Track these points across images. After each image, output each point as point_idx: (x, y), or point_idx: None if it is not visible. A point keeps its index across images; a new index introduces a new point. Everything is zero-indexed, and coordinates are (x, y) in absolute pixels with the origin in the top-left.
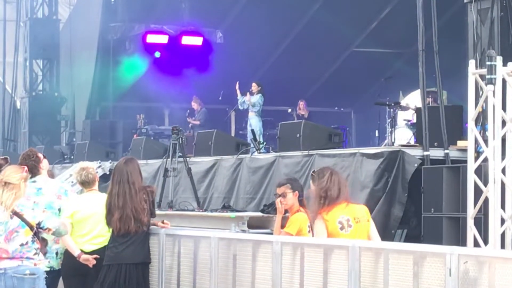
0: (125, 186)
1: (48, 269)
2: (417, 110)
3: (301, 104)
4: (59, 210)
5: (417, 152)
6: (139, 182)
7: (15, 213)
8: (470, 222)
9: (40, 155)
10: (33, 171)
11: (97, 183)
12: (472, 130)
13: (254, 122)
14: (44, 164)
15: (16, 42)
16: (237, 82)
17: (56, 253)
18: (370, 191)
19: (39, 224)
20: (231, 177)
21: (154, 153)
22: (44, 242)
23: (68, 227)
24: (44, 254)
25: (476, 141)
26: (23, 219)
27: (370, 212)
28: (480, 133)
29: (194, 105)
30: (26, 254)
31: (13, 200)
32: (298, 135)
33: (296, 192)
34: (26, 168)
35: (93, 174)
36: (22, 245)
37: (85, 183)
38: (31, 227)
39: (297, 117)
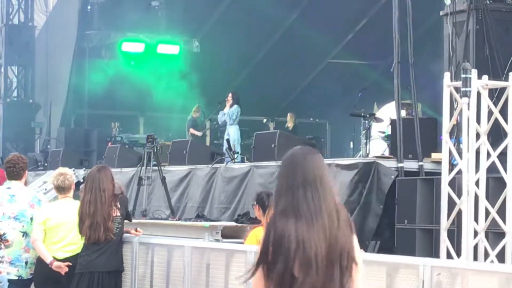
0: (97, 193)
1: (17, 278)
2: (392, 122)
3: (289, 115)
4: (31, 219)
5: (391, 164)
6: (110, 190)
7: None
8: (443, 234)
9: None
10: (20, 173)
11: (72, 191)
12: (446, 142)
13: (232, 131)
14: (26, 174)
15: None
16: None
17: (26, 262)
18: (345, 202)
19: (2, 235)
20: (205, 186)
21: (128, 162)
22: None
23: (40, 234)
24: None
25: (450, 153)
26: None
27: None
28: (454, 145)
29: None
30: None
31: None
32: (273, 145)
33: None
34: None
35: (70, 181)
36: None
37: (61, 189)
38: None
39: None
